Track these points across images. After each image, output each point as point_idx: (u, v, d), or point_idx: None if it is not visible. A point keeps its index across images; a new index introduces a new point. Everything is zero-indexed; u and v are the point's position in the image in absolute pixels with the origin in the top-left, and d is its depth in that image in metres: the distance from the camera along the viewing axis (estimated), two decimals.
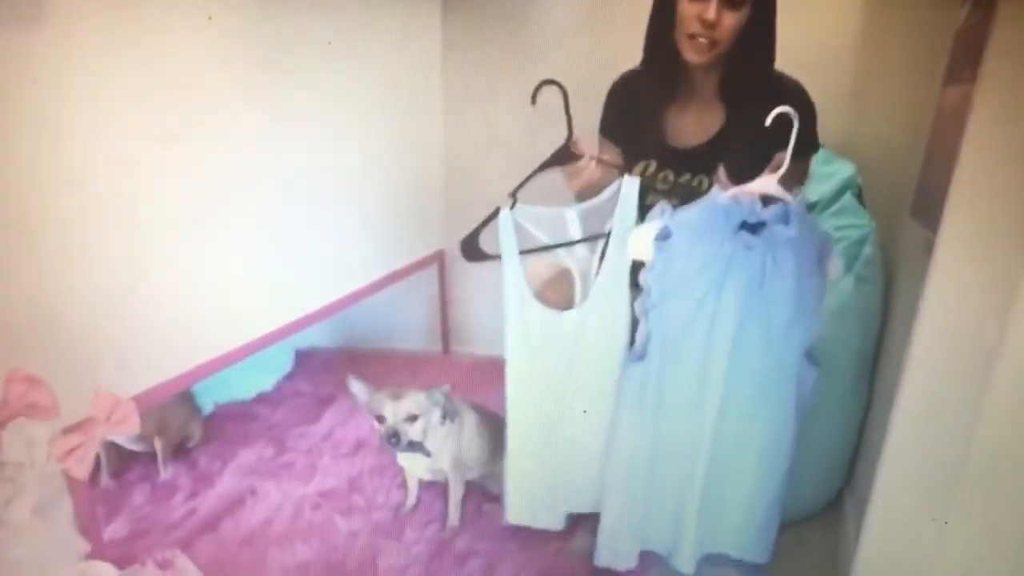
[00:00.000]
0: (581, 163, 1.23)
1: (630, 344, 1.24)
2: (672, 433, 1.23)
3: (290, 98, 1.65)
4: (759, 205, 1.10)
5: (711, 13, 1.19)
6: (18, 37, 1.05)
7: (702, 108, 1.33)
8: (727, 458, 1.23)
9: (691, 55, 1.26)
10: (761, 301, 1.13)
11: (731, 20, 1.21)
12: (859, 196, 1.70)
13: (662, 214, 1.16)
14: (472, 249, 1.30)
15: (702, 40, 1.23)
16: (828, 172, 1.75)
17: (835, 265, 1.19)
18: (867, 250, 1.58)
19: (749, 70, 1.28)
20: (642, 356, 1.20)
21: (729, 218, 1.11)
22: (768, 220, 1.10)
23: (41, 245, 1.17)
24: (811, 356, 1.19)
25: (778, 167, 1.15)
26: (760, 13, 1.23)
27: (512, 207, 1.24)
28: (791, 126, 1.10)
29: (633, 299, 1.23)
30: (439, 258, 2.33)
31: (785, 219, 1.10)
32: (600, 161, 1.25)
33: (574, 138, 1.25)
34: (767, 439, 1.22)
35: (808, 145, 1.29)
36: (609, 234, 1.22)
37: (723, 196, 1.11)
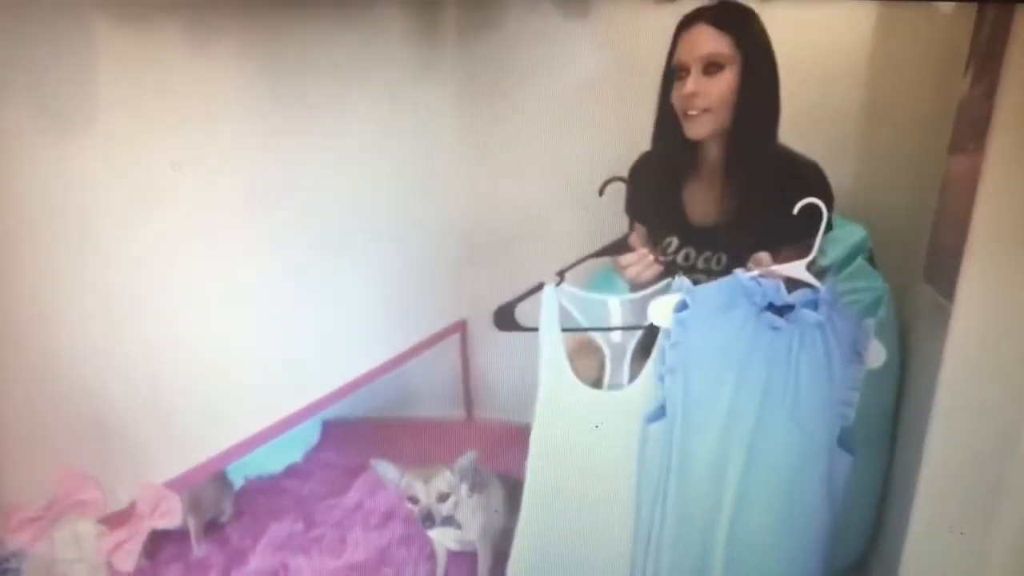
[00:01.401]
0: (632, 257, 1.28)
1: None
2: (693, 501, 1.25)
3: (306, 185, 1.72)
4: (783, 288, 1.14)
5: (689, 86, 1.26)
6: (25, 68, 1.10)
7: (719, 186, 1.37)
8: (749, 538, 1.24)
9: (690, 131, 1.32)
10: (787, 382, 1.16)
11: (714, 87, 1.27)
12: (870, 259, 1.73)
13: (680, 287, 1.20)
14: (507, 319, 1.34)
15: (692, 113, 1.29)
16: (839, 236, 1.77)
17: (876, 353, 1.21)
18: (881, 312, 1.60)
19: (750, 141, 1.33)
20: (661, 416, 1.23)
21: (751, 297, 1.15)
22: (796, 304, 1.14)
23: (75, 335, 1.23)
24: (845, 442, 1.20)
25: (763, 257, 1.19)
26: (750, 77, 1.28)
27: (558, 284, 1.28)
28: (814, 210, 1.14)
29: None
30: (461, 327, 2.38)
31: (814, 304, 1.13)
32: (656, 262, 1.30)
33: (633, 232, 1.30)
34: (793, 522, 1.23)
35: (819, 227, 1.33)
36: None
37: (745, 276, 1.15)
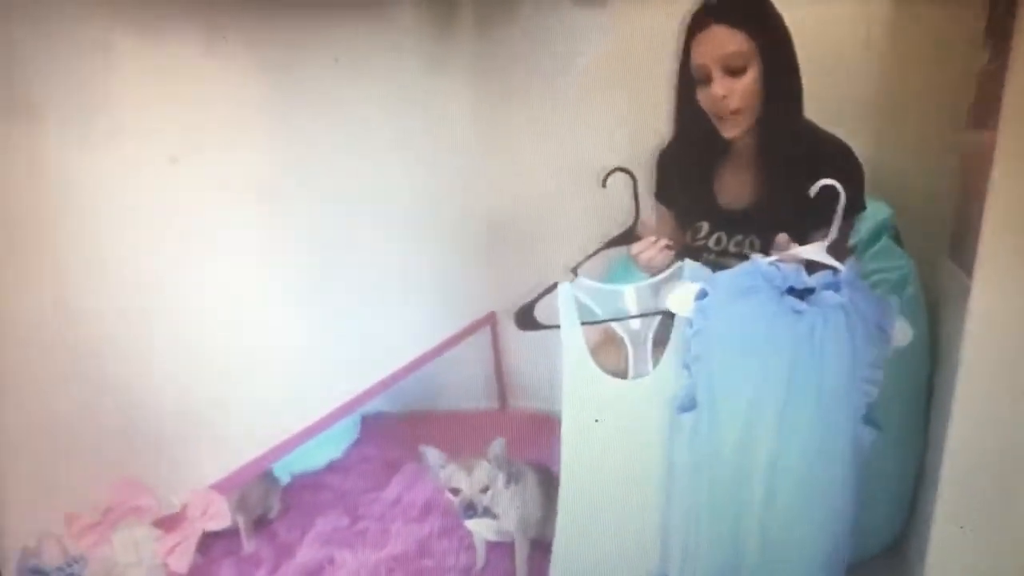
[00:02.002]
0: (642, 244, 1.30)
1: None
2: (727, 486, 1.28)
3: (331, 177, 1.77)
4: (803, 271, 1.15)
5: (717, 89, 1.26)
6: (29, 64, 1.12)
7: (749, 170, 1.38)
8: (781, 517, 1.26)
9: (727, 131, 1.32)
10: (811, 364, 1.17)
11: (740, 86, 1.26)
12: (896, 237, 1.73)
13: (695, 275, 1.22)
14: (527, 319, 1.38)
15: (726, 116, 1.29)
16: (865, 215, 1.77)
17: (902, 331, 1.21)
18: (908, 290, 1.60)
19: (779, 124, 1.33)
20: (691, 407, 1.25)
21: (771, 282, 1.16)
22: (817, 286, 1.15)
23: (125, 350, 1.28)
24: (870, 418, 1.22)
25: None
26: (772, 70, 1.28)
27: (572, 281, 1.31)
28: (837, 193, 1.15)
29: None
30: (491, 319, 2.42)
31: (835, 286, 1.14)
32: (666, 247, 1.32)
33: (640, 221, 1.32)
34: (822, 499, 1.25)
35: (854, 206, 1.34)
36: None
37: (763, 260, 1.17)
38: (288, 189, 1.64)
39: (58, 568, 0.94)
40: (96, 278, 1.25)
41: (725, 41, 1.25)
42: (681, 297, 1.23)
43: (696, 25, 1.28)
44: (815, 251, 1.19)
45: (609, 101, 2.11)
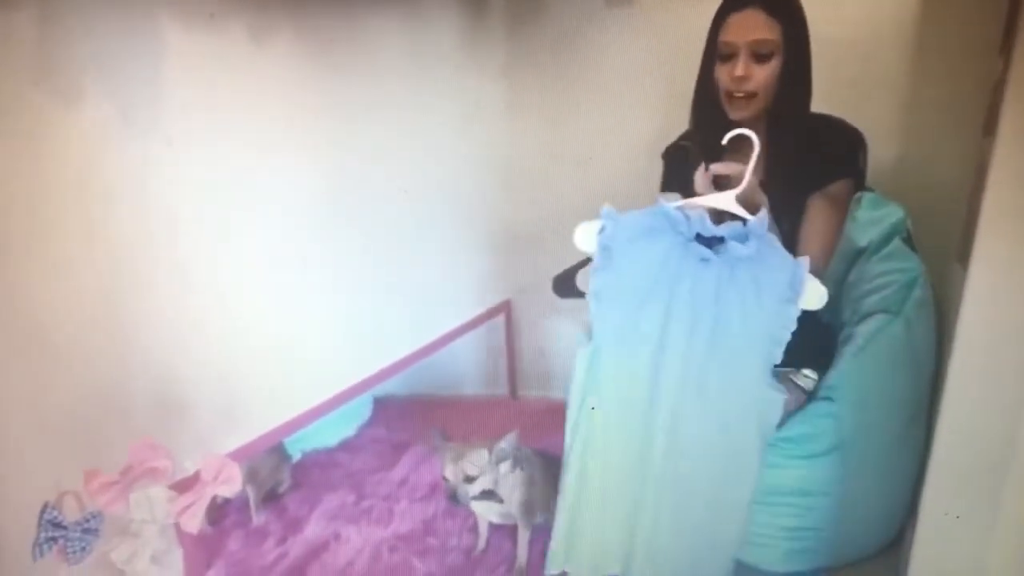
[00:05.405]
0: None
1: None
2: (621, 435, 1.23)
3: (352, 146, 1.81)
4: (708, 219, 1.11)
5: (739, 70, 1.31)
6: (20, 44, 1.12)
7: (748, 156, 1.40)
8: (679, 479, 1.21)
9: (735, 113, 1.36)
10: (714, 315, 1.13)
11: (762, 73, 1.32)
12: (908, 240, 1.73)
13: (607, 216, 1.16)
14: (565, 286, 1.40)
15: (739, 95, 1.33)
16: (878, 216, 1.77)
17: (815, 293, 1.12)
18: (916, 293, 1.61)
19: (790, 116, 1.39)
20: (589, 339, 1.20)
21: (676, 227, 1.12)
22: (726, 236, 1.11)
23: (150, 324, 1.33)
24: (775, 383, 1.17)
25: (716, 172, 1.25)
26: (792, 63, 1.33)
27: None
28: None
29: None
30: (505, 308, 2.45)
31: (742, 237, 1.10)
32: None
33: None
34: (723, 462, 1.20)
35: (842, 169, 1.44)
36: None
37: (669, 206, 1.13)
38: (324, 179, 1.71)
39: (76, 522, 0.98)
40: (133, 258, 1.30)
41: (760, 26, 1.29)
42: (583, 232, 1.17)
43: (734, 4, 1.32)
44: (726, 200, 1.15)
45: (642, 104, 2.13)
